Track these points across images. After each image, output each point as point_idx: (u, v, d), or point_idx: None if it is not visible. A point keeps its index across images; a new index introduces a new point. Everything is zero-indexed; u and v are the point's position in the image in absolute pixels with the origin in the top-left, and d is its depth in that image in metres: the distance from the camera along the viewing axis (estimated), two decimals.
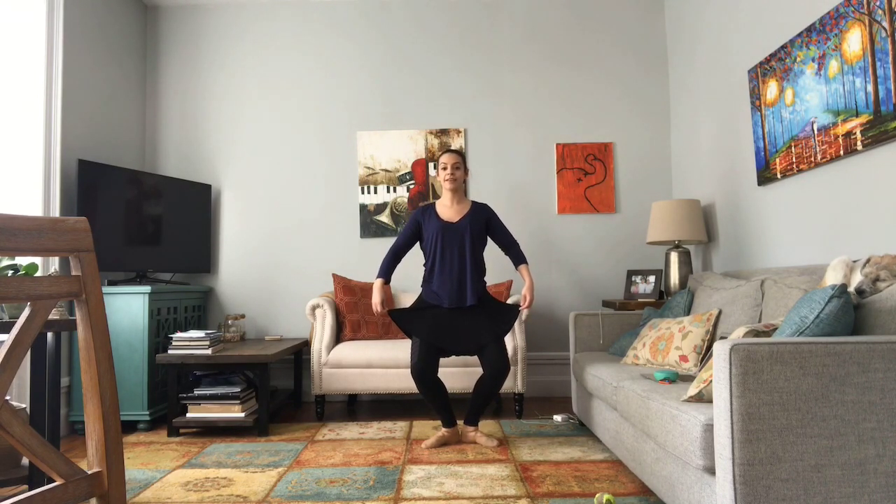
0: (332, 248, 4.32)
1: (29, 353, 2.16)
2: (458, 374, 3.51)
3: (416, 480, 2.45)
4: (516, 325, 3.58)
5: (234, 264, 4.32)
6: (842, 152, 2.40)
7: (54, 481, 0.88)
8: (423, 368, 2.87)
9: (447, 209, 3.11)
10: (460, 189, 3.12)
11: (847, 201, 2.43)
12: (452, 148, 3.12)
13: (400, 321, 2.99)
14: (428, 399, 2.95)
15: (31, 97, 3.28)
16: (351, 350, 3.57)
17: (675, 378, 2.23)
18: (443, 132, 4.33)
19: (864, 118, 2.26)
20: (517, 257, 3.13)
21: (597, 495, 2.14)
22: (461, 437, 3.05)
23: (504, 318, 3.00)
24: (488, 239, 3.22)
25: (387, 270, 3.10)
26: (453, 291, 2.99)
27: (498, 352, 2.91)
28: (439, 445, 2.95)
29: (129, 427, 3.45)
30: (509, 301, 3.62)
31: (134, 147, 4.21)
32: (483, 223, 3.10)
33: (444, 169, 3.07)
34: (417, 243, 3.21)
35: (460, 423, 3.35)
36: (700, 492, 1.70)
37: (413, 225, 3.13)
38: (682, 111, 4.13)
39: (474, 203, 3.15)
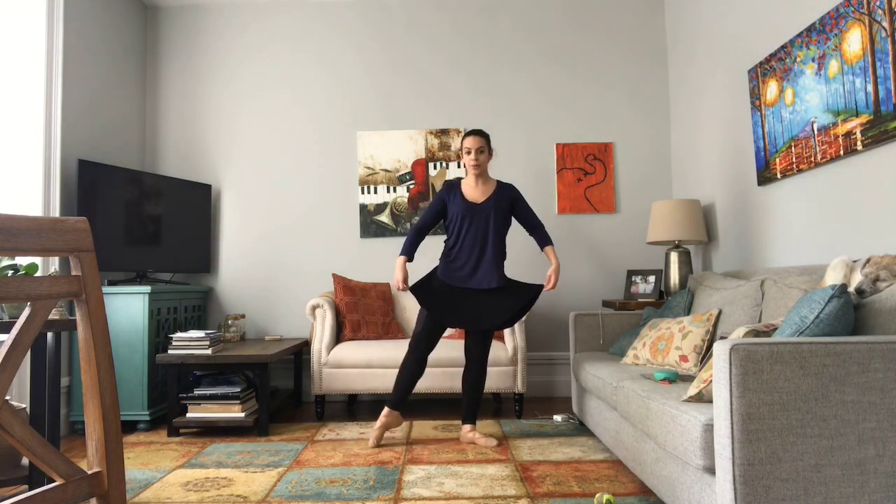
0: (332, 248, 4.32)
1: (29, 353, 2.16)
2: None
3: (416, 480, 2.45)
4: (516, 324, 3.57)
5: (234, 264, 4.32)
6: (842, 152, 2.40)
7: (54, 481, 0.88)
8: (428, 338, 2.97)
9: (472, 189, 3.06)
10: (485, 172, 3.08)
11: (847, 201, 2.43)
12: (476, 129, 3.06)
13: (421, 299, 2.97)
14: (403, 371, 3.00)
15: (31, 97, 3.28)
16: (351, 350, 3.57)
17: (675, 378, 2.23)
18: (443, 132, 4.33)
19: (864, 118, 2.26)
20: (543, 239, 3.09)
21: (597, 495, 2.14)
22: (459, 438, 3.05)
23: (524, 298, 2.98)
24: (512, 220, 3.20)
25: (410, 248, 3.05)
26: (473, 273, 2.98)
27: (486, 339, 3.00)
28: (382, 434, 2.98)
29: (129, 427, 3.45)
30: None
31: (134, 147, 4.21)
32: (508, 204, 3.06)
33: (468, 153, 3.02)
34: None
35: (457, 422, 3.37)
36: (700, 492, 1.70)
37: (438, 203, 3.09)
38: (682, 111, 4.13)
39: (499, 183, 3.10)
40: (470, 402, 3.03)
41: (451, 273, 3.02)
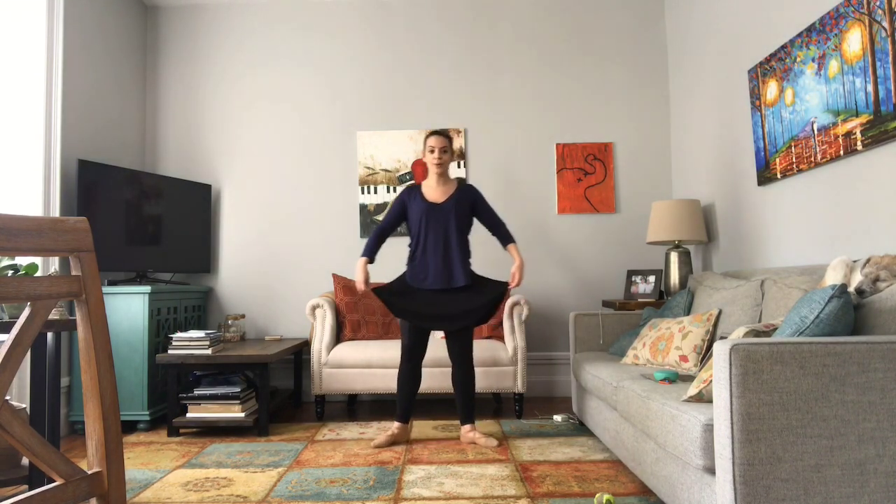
0: (332, 247, 4.32)
1: (29, 353, 2.16)
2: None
3: (416, 480, 2.45)
4: (516, 324, 3.58)
5: (234, 264, 4.32)
6: (842, 152, 2.40)
7: (54, 481, 0.88)
8: (415, 346, 3.00)
9: (433, 190, 3.08)
10: (447, 172, 3.10)
11: (847, 201, 2.43)
12: (439, 129, 3.10)
13: (386, 302, 2.99)
14: (402, 384, 3.03)
15: (31, 97, 3.28)
16: (351, 350, 3.57)
17: (675, 378, 2.23)
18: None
19: (864, 118, 2.26)
20: (504, 237, 3.10)
21: (597, 495, 2.14)
22: (459, 438, 3.06)
23: (490, 295, 2.99)
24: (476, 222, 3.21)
25: (371, 250, 3.09)
26: (438, 273, 2.99)
27: (465, 338, 2.99)
28: (389, 444, 2.97)
29: (129, 427, 3.45)
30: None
31: (134, 147, 4.21)
32: (468, 204, 3.07)
33: (432, 152, 3.04)
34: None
35: (457, 422, 3.36)
36: (700, 492, 1.70)
37: (399, 205, 3.12)
38: (682, 111, 4.13)
39: (460, 184, 3.12)
40: (464, 403, 3.03)
41: (416, 275, 3.04)
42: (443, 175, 3.08)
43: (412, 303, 2.98)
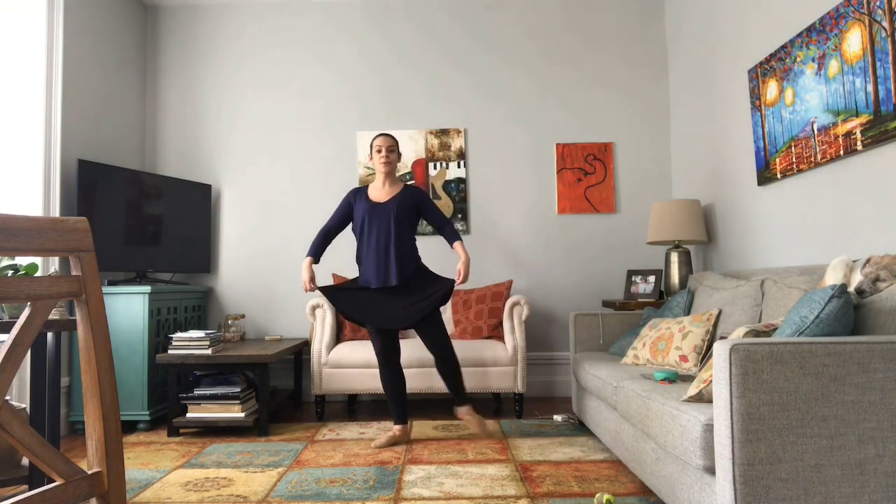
0: (332, 247, 4.30)
1: (29, 353, 2.16)
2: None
3: (415, 480, 2.45)
4: (516, 324, 3.58)
5: (234, 264, 4.32)
6: (842, 152, 2.40)
7: (54, 481, 0.88)
8: (386, 348, 3.02)
9: (378, 191, 3.11)
10: (393, 172, 3.13)
11: (847, 201, 2.43)
12: (385, 132, 3.13)
13: (332, 300, 3.01)
14: (387, 387, 3.05)
15: (31, 97, 3.28)
16: (351, 350, 3.57)
17: (675, 378, 2.23)
18: (443, 132, 4.33)
19: (864, 118, 2.26)
20: (450, 235, 3.11)
21: (597, 495, 2.14)
22: (455, 416, 3.11)
23: (435, 290, 3.00)
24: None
25: (316, 250, 3.11)
26: (379, 272, 3.00)
27: (434, 330, 3.00)
28: (390, 445, 2.98)
29: (129, 427, 3.45)
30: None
31: (134, 147, 4.21)
32: (412, 205, 3.09)
33: (379, 152, 3.07)
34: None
35: (457, 422, 3.37)
36: (700, 492, 1.70)
37: (344, 206, 3.15)
38: (682, 111, 4.13)
39: (406, 186, 3.15)
40: (451, 386, 3.05)
41: (363, 275, 3.06)
42: (389, 175, 3.11)
43: (358, 302, 3.00)
